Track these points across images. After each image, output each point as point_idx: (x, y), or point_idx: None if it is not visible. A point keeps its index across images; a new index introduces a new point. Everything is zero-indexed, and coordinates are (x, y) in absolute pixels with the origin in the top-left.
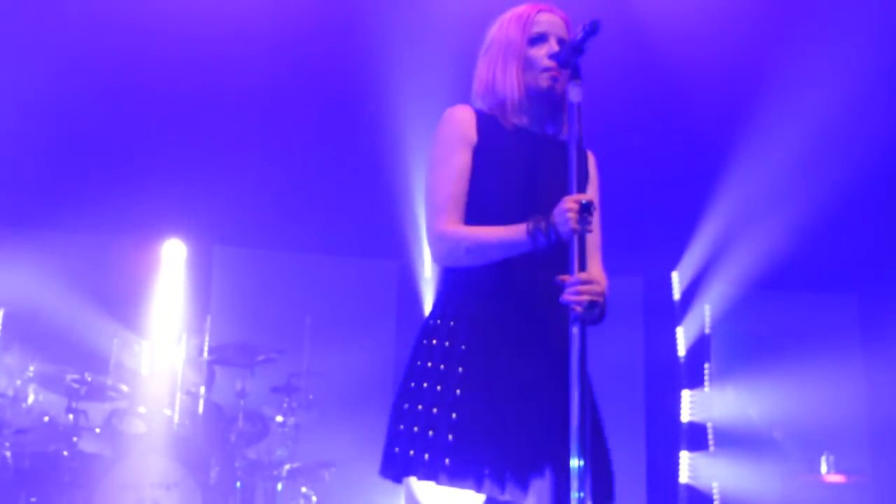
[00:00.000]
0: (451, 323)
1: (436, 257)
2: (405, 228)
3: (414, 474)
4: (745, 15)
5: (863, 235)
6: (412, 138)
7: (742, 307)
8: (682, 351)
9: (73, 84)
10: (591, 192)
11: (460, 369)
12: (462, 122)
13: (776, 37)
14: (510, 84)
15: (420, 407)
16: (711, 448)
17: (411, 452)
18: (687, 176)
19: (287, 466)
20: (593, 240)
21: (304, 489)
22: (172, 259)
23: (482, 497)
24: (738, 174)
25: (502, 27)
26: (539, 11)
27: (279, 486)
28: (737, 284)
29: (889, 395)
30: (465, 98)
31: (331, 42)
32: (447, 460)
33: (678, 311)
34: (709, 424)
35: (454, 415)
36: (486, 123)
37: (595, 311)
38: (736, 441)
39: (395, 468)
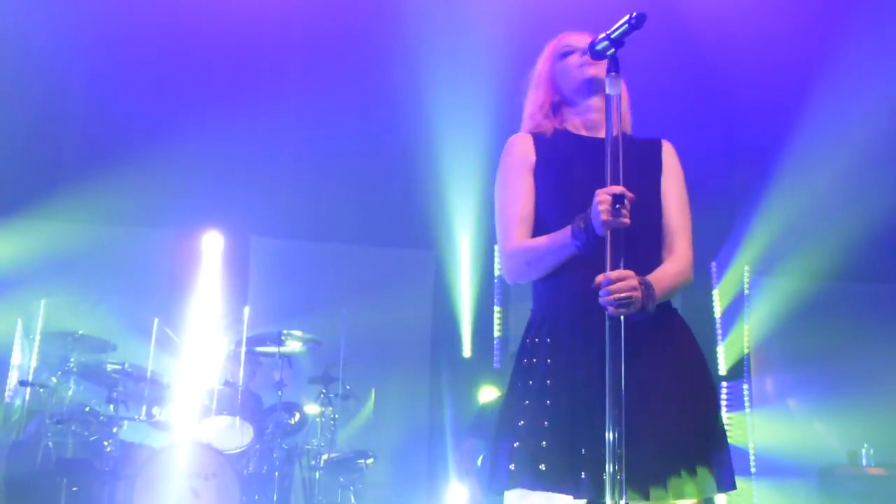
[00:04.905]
0: (535, 339)
1: (506, 275)
2: (441, 219)
3: (515, 485)
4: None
5: None
6: (448, 129)
7: (784, 295)
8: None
9: (112, 76)
10: (670, 182)
11: (548, 381)
12: (520, 146)
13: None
14: (538, 103)
15: (521, 422)
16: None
17: (511, 466)
18: (739, 160)
19: (325, 457)
20: (677, 223)
21: (341, 479)
22: (211, 251)
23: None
24: (795, 164)
25: (537, 65)
26: (565, 35)
27: (317, 476)
28: (772, 273)
29: None
30: (499, 94)
31: (368, 34)
32: (543, 466)
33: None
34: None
35: (546, 422)
36: (545, 141)
37: (632, 308)
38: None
39: (500, 481)
